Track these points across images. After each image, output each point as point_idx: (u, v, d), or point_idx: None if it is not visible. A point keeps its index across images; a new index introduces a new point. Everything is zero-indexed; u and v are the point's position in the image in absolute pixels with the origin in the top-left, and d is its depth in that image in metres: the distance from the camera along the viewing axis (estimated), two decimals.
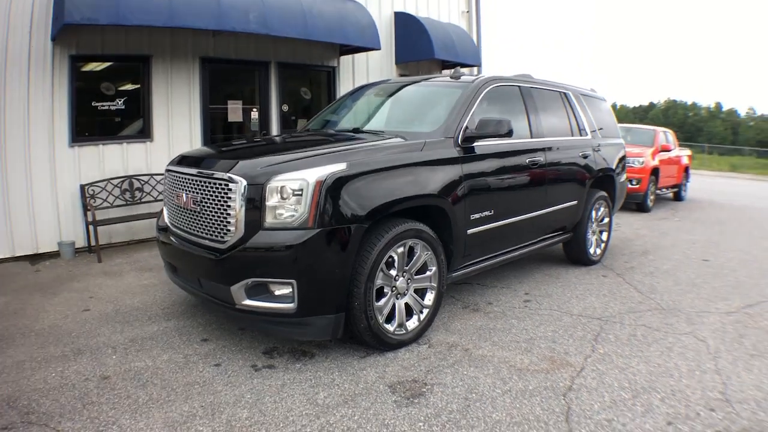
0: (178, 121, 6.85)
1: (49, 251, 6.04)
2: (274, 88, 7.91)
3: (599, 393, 3.16)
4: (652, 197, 10.18)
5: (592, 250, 5.78)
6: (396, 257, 3.53)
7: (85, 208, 6.08)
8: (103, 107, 6.34)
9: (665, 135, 11.29)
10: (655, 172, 10.07)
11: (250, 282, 3.22)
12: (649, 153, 10.03)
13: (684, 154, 12.36)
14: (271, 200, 3.18)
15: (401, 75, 9.73)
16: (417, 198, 3.63)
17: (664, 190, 11.09)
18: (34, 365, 3.38)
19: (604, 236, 6.04)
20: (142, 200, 6.52)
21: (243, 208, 3.20)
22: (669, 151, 10.87)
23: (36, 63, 5.67)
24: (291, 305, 3.21)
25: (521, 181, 4.62)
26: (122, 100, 6.46)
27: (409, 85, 5.04)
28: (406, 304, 3.69)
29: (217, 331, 3.93)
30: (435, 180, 3.77)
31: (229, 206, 3.26)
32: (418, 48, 9.05)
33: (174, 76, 6.76)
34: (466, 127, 4.07)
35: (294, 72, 8.29)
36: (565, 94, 5.51)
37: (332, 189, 3.20)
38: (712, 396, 3.15)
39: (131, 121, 6.64)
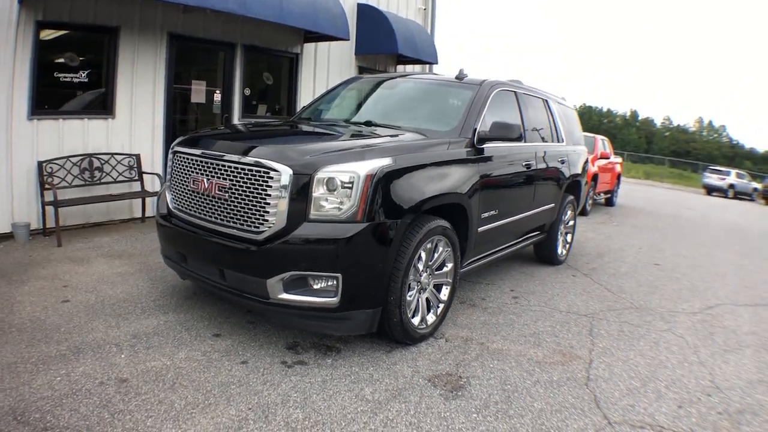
0: (141, 98, 6.34)
1: (0, 233, 5.37)
2: (239, 71, 7.57)
3: (614, 382, 3.44)
4: (590, 202, 10.93)
5: (559, 251, 6.16)
6: (424, 253, 3.58)
7: (42, 186, 5.47)
8: (65, 78, 5.70)
9: (603, 143, 12.18)
10: (594, 178, 10.79)
11: (289, 275, 3.12)
12: (590, 160, 10.74)
13: (617, 161, 13.33)
14: (318, 191, 3.10)
15: (359, 67, 9.70)
16: (447, 195, 3.71)
17: (600, 195, 11.93)
18: (29, 368, 3.00)
19: (569, 238, 6.47)
20: (102, 181, 5.99)
21: (286, 199, 3.08)
22: (608, 158, 11.74)
23: (0, 26, 5.02)
24: (333, 299, 3.15)
25: (518, 183, 4.84)
26: (85, 72, 5.86)
27: (413, 81, 5.07)
28: (426, 299, 3.75)
29: (226, 325, 3.75)
30: (460, 179, 3.87)
31: (268, 195, 3.12)
32: (381, 42, 9.05)
33: (140, 51, 6.24)
34: (480, 129, 4.20)
35: (258, 56, 7.98)
36: (546, 101, 5.82)
37: (381, 183, 3.18)
38: (705, 384, 3.54)
39: (93, 95, 6.04)
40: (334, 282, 3.13)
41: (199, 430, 2.56)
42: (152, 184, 6.61)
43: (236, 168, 3.24)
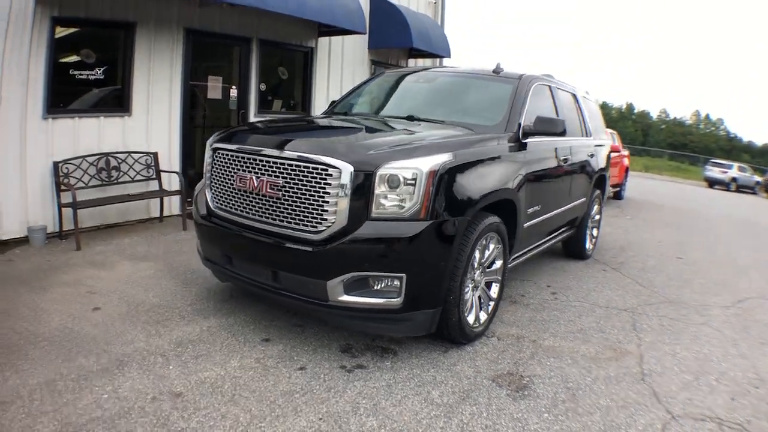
0: (158, 95, 6.15)
1: (15, 238, 5.17)
2: (254, 66, 7.40)
3: (668, 376, 3.42)
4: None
5: (587, 245, 6.12)
6: (478, 251, 3.49)
7: (58, 188, 5.27)
8: (81, 76, 5.50)
9: (612, 136, 12.17)
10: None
11: (351, 276, 3.01)
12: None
13: (625, 154, 13.30)
14: (380, 189, 2.99)
15: (372, 61, 9.57)
16: (502, 191, 3.63)
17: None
18: (71, 385, 2.79)
19: (595, 232, 6.43)
20: (119, 180, 5.81)
21: (347, 197, 2.97)
22: (618, 152, 11.71)
23: (16, 22, 4.79)
24: (397, 300, 3.05)
25: (557, 177, 4.78)
26: (101, 69, 5.66)
27: (447, 75, 4.96)
28: (478, 297, 3.67)
29: (273, 329, 3.63)
30: (510, 174, 3.79)
31: (327, 193, 3.00)
32: (395, 35, 8.94)
33: (156, 47, 6.05)
34: (525, 124, 4.11)
35: (274, 50, 7.82)
36: (575, 95, 5.76)
37: (443, 179, 3.09)
38: (751, 376, 3.54)
39: (109, 93, 5.85)
40: (398, 282, 3.03)
41: None
42: (169, 182, 6.43)
43: (291, 165, 3.11)
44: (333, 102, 5.21)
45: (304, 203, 3.07)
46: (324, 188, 3.01)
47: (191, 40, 6.46)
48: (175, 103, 6.37)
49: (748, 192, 26.50)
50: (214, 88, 7.08)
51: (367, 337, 3.57)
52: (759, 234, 10.54)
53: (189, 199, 5.46)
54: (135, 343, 3.31)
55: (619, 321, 4.31)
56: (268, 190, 3.17)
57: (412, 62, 10.61)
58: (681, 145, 53.30)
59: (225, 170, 3.48)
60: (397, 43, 9.06)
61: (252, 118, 7.48)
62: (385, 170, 2.99)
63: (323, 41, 8.44)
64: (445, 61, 10.45)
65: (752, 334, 4.33)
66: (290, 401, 2.79)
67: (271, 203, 3.19)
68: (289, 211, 3.13)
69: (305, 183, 3.07)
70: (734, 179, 25.97)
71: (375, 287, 3.06)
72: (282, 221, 3.16)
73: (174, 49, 6.25)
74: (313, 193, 3.05)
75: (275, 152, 3.18)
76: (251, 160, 3.28)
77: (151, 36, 5.98)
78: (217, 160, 3.56)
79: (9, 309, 3.70)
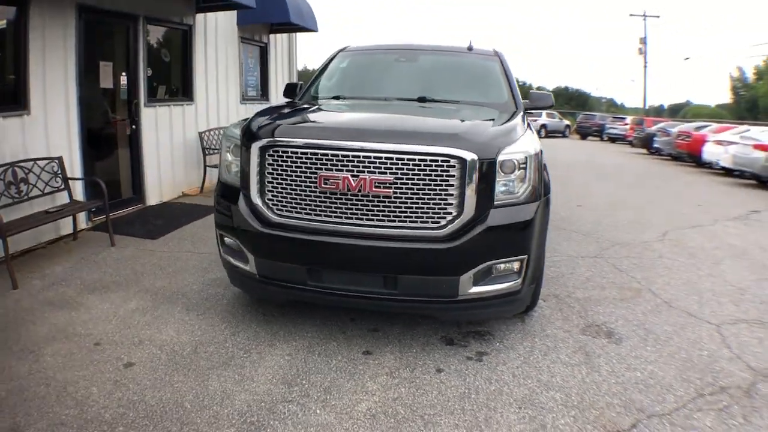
0: (53, 86, 4.85)
1: None
2: (142, 49, 6.26)
3: (683, 300, 4.16)
4: None
5: None
6: None
7: None
8: None
9: None
10: None
11: (484, 267, 2.98)
12: None
13: None
14: (500, 175, 2.99)
15: (241, 38, 8.81)
16: None
17: None
18: None
19: None
20: (30, 195, 4.53)
21: (473, 187, 2.90)
22: None
23: None
24: (517, 282, 3.12)
25: None
26: None
27: (427, 53, 4.89)
28: None
29: (357, 340, 3.36)
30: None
31: (451, 186, 2.88)
32: (270, 10, 8.36)
33: (49, 27, 4.71)
34: (523, 100, 4.37)
35: (157, 29, 6.70)
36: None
37: (539, 160, 3.20)
38: (731, 288, 4.50)
39: (3, 87, 4.44)
40: (518, 264, 3.09)
41: None
42: (75, 192, 5.23)
43: (402, 159, 2.87)
44: (306, 85, 4.75)
45: (423, 199, 2.89)
46: (447, 180, 2.88)
47: (83, 18, 5.21)
48: (71, 94, 5.13)
49: (558, 136, 30.20)
50: (106, 75, 5.83)
51: (450, 328, 3.55)
52: (612, 174, 12.76)
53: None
54: (233, 397, 2.71)
55: (603, 266, 4.99)
56: (375, 189, 2.90)
57: (272, 38, 10.06)
58: None
59: (294, 171, 3.00)
60: (275, 18, 8.53)
61: (143, 108, 6.40)
62: (503, 156, 2.99)
63: (200, 18, 7.51)
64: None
65: (700, 257, 5.39)
66: (476, 403, 2.72)
67: (377, 203, 2.92)
68: (404, 210, 2.91)
69: (423, 177, 2.87)
70: (544, 126, 29.22)
71: (496, 273, 3.07)
72: (395, 221, 2.92)
73: (66, 29, 4.97)
74: (434, 187, 2.88)
75: (382, 146, 2.89)
76: (343, 157, 2.91)
77: (44, 14, 4.66)
78: (276, 160, 3.04)
79: (15, 392, 2.72)
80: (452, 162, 2.87)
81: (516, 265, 3.08)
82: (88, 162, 5.55)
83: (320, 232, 2.99)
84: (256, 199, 3.12)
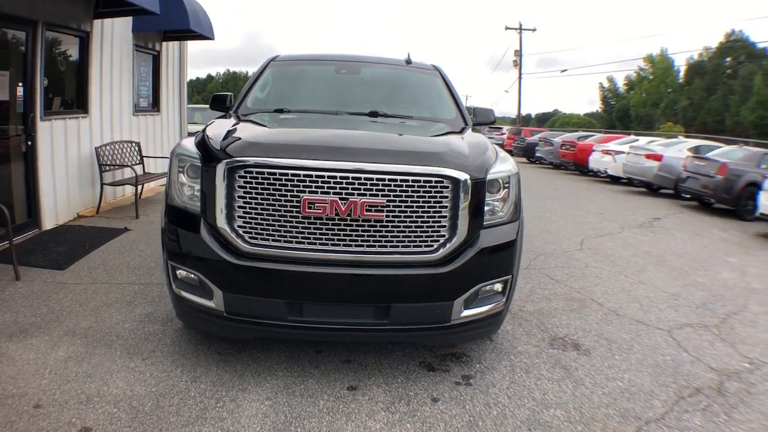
0: None
1: None
2: (40, 57, 5.42)
3: (628, 307, 4.43)
4: None
5: None
6: None
7: None
8: None
9: None
10: None
11: (475, 290, 2.91)
12: None
13: None
14: (488, 195, 2.95)
15: (135, 45, 8.02)
16: None
17: None
18: None
19: None
20: None
21: (466, 208, 2.81)
22: None
23: None
24: (501, 301, 3.10)
25: None
26: None
27: (366, 65, 4.72)
28: None
29: (334, 374, 3.11)
30: None
31: (444, 207, 2.77)
32: (169, 17, 7.70)
33: None
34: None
35: (54, 36, 5.86)
36: None
37: (519, 179, 3.21)
38: (664, 294, 4.89)
39: None
40: (501, 285, 3.07)
41: None
42: None
43: (395, 181, 2.70)
44: (229, 97, 4.24)
45: (417, 222, 2.75)
46: (441, 202, 2.77)
47: None
48: None
49: None
50: (2, 86, 4.95)
51: (423, 352, 3.42)
52: None
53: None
54: None
55: (539, 278, 5.18)
56: (366, 213, 2.69)
57: (164, 46, 9.29)
58: None
59: (272, 195, 2.69)
60: (174, 25, 7.89)
61: (39, 122, 5.54)
62: (491, 175, 2.95)
63: (97, 24, 6.69)
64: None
65: (623, 266, 5.78)
66: (487, 430, 2.63)
67: (368, 228, 2.72)
68: (396, 234, 2.75)
69: (417, 199, 2.73)
70: None
71: (482, 295, 3.01)
72: (386, 246, 2.75)
73: None
74: (427, 209, 2.76)
75: (375, 166, 2.69)
76: (330, 179, 2.66)
77: None
78: (250, 182, 2.71)
79: None
80: (446, 183, 2.77)
81: (499, 286, 3.06)
82: None
83: (302, 261, 2.72)
84: (224, 227, 2.76)
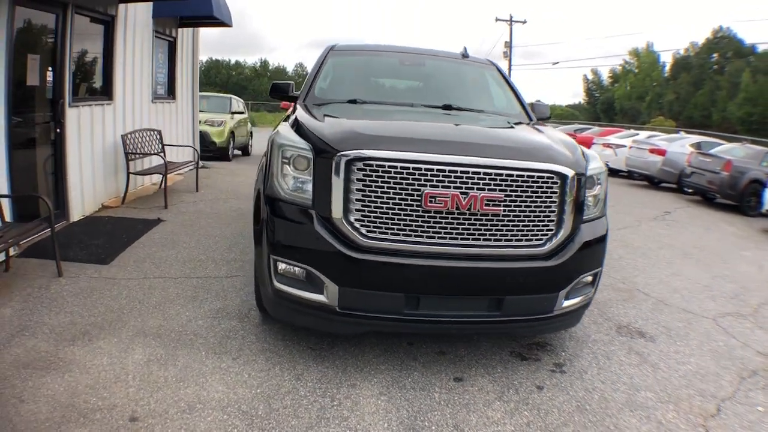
0: None
1: None
2: (69, 41, 5.21)
3: (674, 299, 4.60)
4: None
5: None
6: None
7: None
8: None
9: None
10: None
11: (576, 282, 2.99)
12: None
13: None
14: (588, 191, 3.05)
15: (155, 32, 7.81)
16: None
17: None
18: None
19: None
20: None
21: (571, 203, 2.89)
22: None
23: None
24: (590, 292, 3.21)
25: None
26: None
27: (429, 58, 4.72)
28: None
29: (434, 366, 3.15)
30: None
31: (554, 202, 2.85)
32: (191, 3, 7.54)
33: None
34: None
35: (82, 20, 5.62)
36: None
37: (606, 176, 3.31)
38: (701, 285, 5.04)
39: None
40: (592, 277, 3.16)
41: None
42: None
43: (512, 176, 2.75)
44: (305, 87, 4.27)
45: (530, 216, 2.82)
46: (551, 197, 2.84)
47: (13, 7, 4.16)
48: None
49: None
50: (33, 69, 4.73)
51: (507, 342, 3.50)
52: None
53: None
54: None
55: None
56: (485, 207, 2.72)
57: (180, 32, 9.07)
58: None
59: (393, 188, 2.69)
60: (197, 11, 7.74)
61: (68, 109, 5.35)
62: (590, 171, 3.05)
63: (122, 9, 6.48)
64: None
65: (653, 258, 5.95)
66: (595, 414, 2.75)
67: (485, 222, 2.76)
68: (510, 228, 2.81)
69: (531, 194, 2.80)
70: None
71: (578, 286, 3.09)
72: (501, 240, 2.81)
73: None
74: (539, 203, 2.83)
75: (495, 162, 2.73)
76: (451, 173, 2.69)
77: None
78: (369, 175, 2.69)
79: None
80: (555, 178, 2.84)
81: (590, 278, 3.16)
82: (16, 174, 4.48)
83: (421, 255, 2.74)
84: (341, 220, 2.74)
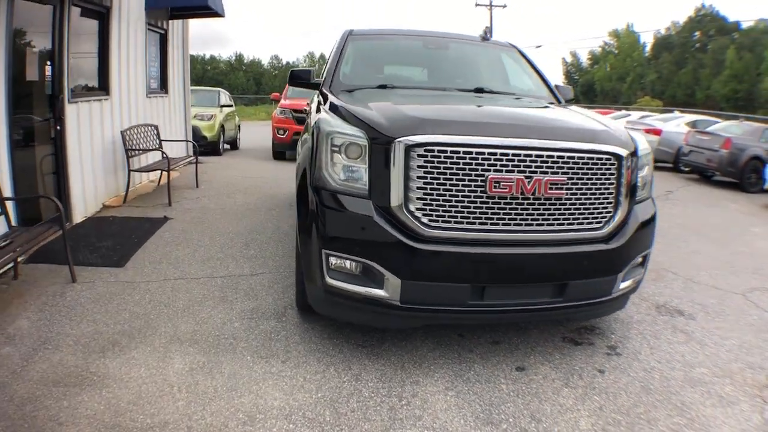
0: None
1: None
2: (67, 34, 4.93)
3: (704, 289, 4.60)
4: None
5: None
6: None
7: None
8: None
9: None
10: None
11: (633, 262, 2.95)
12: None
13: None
14: (642, 171, 2.99)
15: (147, 24, 7.49)
16: None
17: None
18: None
19: None
20: None
21: (626, 184, 2.84)
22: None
23: None
24: (640, 273, 3.15)
25: None
26: None
27: (451, 41, 4.59)
28: None
29: (491, 356, 3.07)
30: None
31: (611, 184, 2.77)
32: None
33: None
34: None
35: (78, 11, 5.34)
36: None
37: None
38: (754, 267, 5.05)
39: None
40: (642, 258, 3.10)
41: None
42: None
43: (573, 158, 2.67)
44: (328, 72, 4.09)
45: (590, 199, 2.74)
46: (609, 178, 2.77)
47: None
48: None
49: None
50: (32, 63, 4.44)
51: (556, 328, 3.44)
52: None
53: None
54: None
55: None
56: (549, 191, 2.62)
57: (170, 24, 8.73)
58: None
59: (456, 174, 2.57)
60: (191, 0, 7.43)
61: (68, 105, 5.07)
62: (641, 152, 2.99)
63: (116, 0, 6.17)
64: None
65: (669, 237, 5.79)
66: (660, 392, 2.76)
67: (548, 206, 2.67)
68: (572, 212, 2.72)
69: (591, 176, 2.72)
70: None
71: (631, 268, 3.01)
72: (563, 224, 2.72)
73: None
74: (599, 185, 2.75)
75: (558, 144, 2.65)
76: (515, 156, 2.59)
77: None
78: (431, 161, 2.56)
79: None
80: (612, 159, 2.77)
81: (640, 259, 3.10)
82: (19, 175, 4.22)
83: (486, 243, 2.63)
84: (402, 210, 2.60)
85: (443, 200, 2.58)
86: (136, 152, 6.44)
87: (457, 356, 3.03)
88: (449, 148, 2.55)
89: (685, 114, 16.10)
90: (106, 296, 3.74)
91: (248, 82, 59.73)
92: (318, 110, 3.47)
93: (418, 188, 2.57)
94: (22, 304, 3.57)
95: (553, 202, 2.65)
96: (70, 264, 4.01)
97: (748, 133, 10.46)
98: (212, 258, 4.60)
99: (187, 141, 9.03)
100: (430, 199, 2.58)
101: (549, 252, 2.69)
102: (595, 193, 2.73)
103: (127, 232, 5.22)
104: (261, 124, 23.43)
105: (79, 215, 5.47)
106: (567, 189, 2.65)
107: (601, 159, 2.72)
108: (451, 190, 2.57)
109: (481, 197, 2.58)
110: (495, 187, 2.55)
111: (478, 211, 2.60)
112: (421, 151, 2.55)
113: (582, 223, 2.74)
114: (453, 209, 2.59)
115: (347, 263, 2.72)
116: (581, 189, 2.69)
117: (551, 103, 3.77)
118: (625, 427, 2.45)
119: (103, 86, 6.03)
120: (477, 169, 2.55)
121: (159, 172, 7.03)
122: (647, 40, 51.08)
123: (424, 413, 2.49)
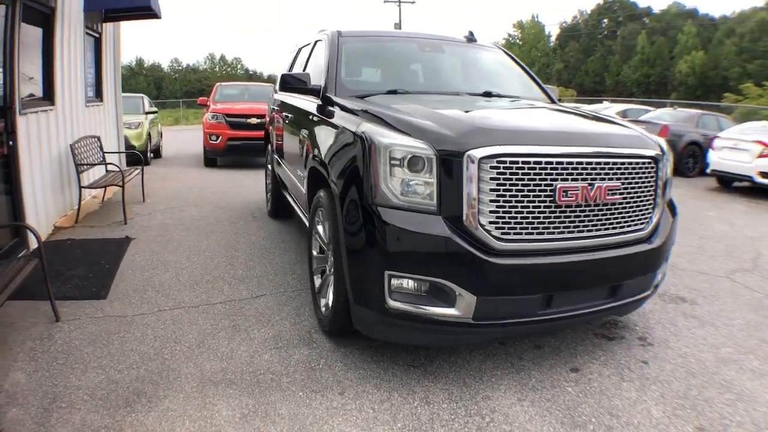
0: None
1: None
2: (18, 39, 4.33)
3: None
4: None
5: None
6: None
7: None
8: None
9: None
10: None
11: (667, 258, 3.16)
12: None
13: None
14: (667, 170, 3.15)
15: (85, 26, 6.80)
16: None
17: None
18: None
19: None
20: None
21: (662, 186, 3.02)
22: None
23: None
24: (665, 267, 3.31)
25: None
26: None
27: (445, 44, 4.53)
28: None
29: (544, 359, 3.11)
30: None
31: (651, 185, 2.93)
32: None
33: None
34: None
35: (28, 14, 4.71)
36: None
37: None
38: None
39: None
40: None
41: None
42: None
43: (624, 164, 2.78)
44: (328, 76, 3.88)
45: (638, 202, 2.88)
46: (650, 180, 2.93)
47: None
48: None
49: None
50: None
51: (586, 326, 3.53)
52: None
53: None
54: None
55: None
56: (608, 197, 2.71)
57: (104, 27, 8.02)
58: (198, 91, 47.52)
59: (527, 185, 2.55)
60: (130, 1, 6.86)
61: (19, 117, 4.46)
62: (666, 152, 3.12)
63: (59, 0, 5.53)
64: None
65: None
66: (702, 376, 2.94)
67: (605, 212, 2.75)
68: (624, 215, 2.84)
69: (639, 180, 2.86)
70: None
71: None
72: (616, 228, 2.82)
73: None
74: (643, 187, 2.90)
75: (612, 150, 2.75)
76: (578, 165, 2.63)
77: None
78: (503, 173, 2.52)
79: None
80: (651, 162, 2.92)
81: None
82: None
83: (556, 252, 2.65)
84: (475, 224, 2.54)
85: (515, 212, 2.56)
86: (86, 167, 5.82)
87: (511, 365, 3.02)
88: (521, 159, 2.54)
89: (614, 104, 17.05)
90: (101, 336, 3.30)
91: (149, 87, 56.72)
92: (328, 116, 3.38)
93: (490, 201, 2.53)
94: (7, 351, 3.08)
95: (609, 207, 2.73)
96: (52, 300, 3.53)
97: (684, 119, 11.13)
98: (200, 282, 4.24)
99: (127, 152, 8.34)
100: (503, 212, 2.55)
101: (609, 255, 2.76)
102: (640, 196, 2.86)
103: (93, 257, 4.71)
104: (172, 129, 22.16)
105: (34, 240, 4.85)
106: (619, 193, 2.75)
107: (645, 162, 2.86)
108: (523, 201, 2.56)
109: (550, 207, 2.59)
110: (563, 196, 2.58)
111: (547, 221, 2.61)
112: (493, 162, 2.51)
113: (630, 225, 2.86)
114: (524, 220, 2.58)
115: (411, 283, 2.62)
116: (630, 193, 2.81)
117: (553, 105, 3.91)
118: (690, 409, 2.61)
119: (48, 96, 5.39)
120: (546, 179, 2.57)
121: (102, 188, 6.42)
122: (553, 30, 52.33)
123: (511, 427, 2.46)
